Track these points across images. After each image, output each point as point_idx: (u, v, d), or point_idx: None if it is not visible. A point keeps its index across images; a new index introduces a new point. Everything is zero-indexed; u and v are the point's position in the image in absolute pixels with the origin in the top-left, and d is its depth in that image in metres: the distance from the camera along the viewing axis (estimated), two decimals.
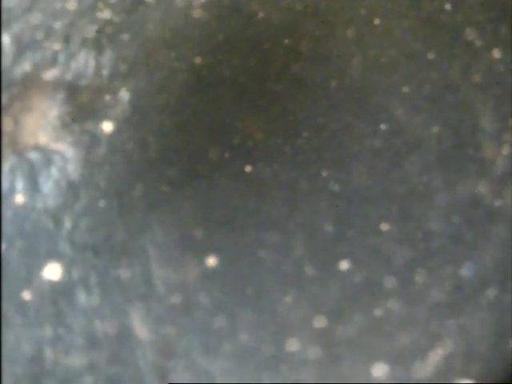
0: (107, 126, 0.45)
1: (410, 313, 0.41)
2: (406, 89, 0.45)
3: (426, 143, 0.44)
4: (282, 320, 0.41)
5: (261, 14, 0.46)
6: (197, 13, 0.47)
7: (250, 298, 0.42)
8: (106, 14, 0.47)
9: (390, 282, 0.42)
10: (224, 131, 0.45)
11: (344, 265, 0.42)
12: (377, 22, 0.46)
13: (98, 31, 0.46)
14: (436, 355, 0.41)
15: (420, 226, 0.43)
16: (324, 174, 0.44)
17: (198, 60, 0.46)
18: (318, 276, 0.42)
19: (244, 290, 0.42)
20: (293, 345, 0.41)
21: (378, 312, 0.41)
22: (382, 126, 0.44)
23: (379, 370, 0.41)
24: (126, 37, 0.46)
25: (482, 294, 0.42)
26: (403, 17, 0.46)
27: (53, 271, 0.43)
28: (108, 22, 0.47)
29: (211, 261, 0.43)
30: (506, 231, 0.42)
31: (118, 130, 0.45)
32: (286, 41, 0.46)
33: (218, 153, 0.44)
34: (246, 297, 0.42)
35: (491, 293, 0.41)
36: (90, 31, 0.47)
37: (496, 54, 0.45)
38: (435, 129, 0.44)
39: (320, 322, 0.42)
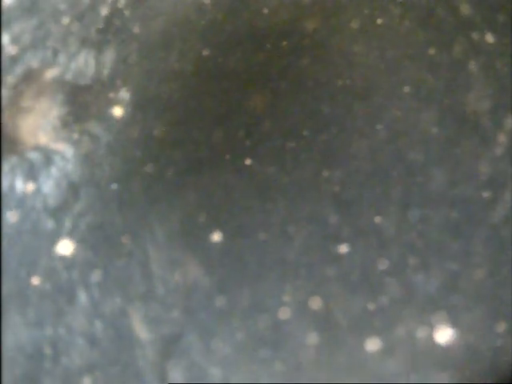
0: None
1: (404, 295, 0.41)
2: (406, 89, 0.45)
3: (426, 142, 0.44)
4: (278, 301, 0.42)
5: (265, 10, 0.46)
6: (205, 5, 0.47)
7: (249, 280, 0.42)
8: (113, 8, 0.47)
9: (383, 264, 0.42)
10: (226, 125, 0.45)
11: (343, 249, 0.42)
12: (379, 21, 0.46)
13: (105, 25, 0.46)
14: (426, 331, 0.41)
15: (417, 226, 0.43)
16: (325, 173, 0.44)
17: (205, 52, 0.46)
18: (316, 259, 0.42)
19: (243, 272, 0.42)
20: (286, 315, 0.41)
21: (371, 296, 0.41)
22: (383, 126, 0.44)
23: (372, 345, 0.41)
24: (136, 29, 0.46)
25: (473, 283, 0.42)
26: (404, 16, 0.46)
27: (65, 247, 0.43)
28: (117, 15, 0.47)
29: (216, 236, 0.43)
30: (502, 223, 0.42)
31: (119, 129, 0.45)
32: (290, 38, 0.46)
33: (220, 147, 0.44)
34: (245, 279, 0.42)
35: (482, 283, 0.42)
36: (92, 30, 0.47)
37: (489, 38, 0.45)
38: (435, 129, 0.44)
39: (315, 304, 0.42)
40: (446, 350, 0.40)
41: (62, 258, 0.43)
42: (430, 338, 0.41)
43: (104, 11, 0.47)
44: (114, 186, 0.44)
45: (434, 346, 0.41)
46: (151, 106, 0.45)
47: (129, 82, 0.46)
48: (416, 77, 0.45)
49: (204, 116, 0.45)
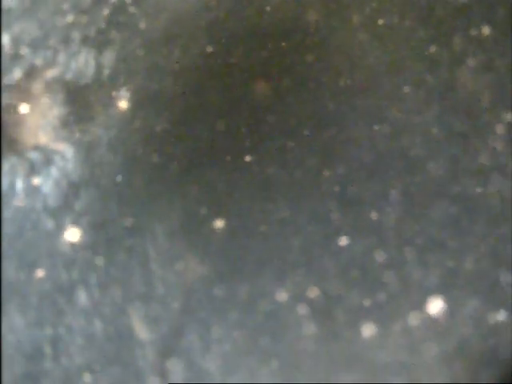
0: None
1: (400, 285, 0.42)
2: (407, 89, 0.45)
3: (427, 140, 0.44)
4: (278, 292, 0.42)
5: (268, 8, 0.46)
6: (209, 2, 0.47)
7: (249, 270, 0.42)
8: (118, 4, 0.47)
9: (380, 256, 0.42)
10: (228, 121, 0.45)
11: (343, 241, 0.43)
12: (381, 22, 0.46)
13: (109, 22, 0.46)
14: (419, 319, 0.41)
15: (418, 227, 0.43)
16: (326, 173, 0.44)
17: (209, 49, 0.46)
18: (317, 251, 0.42)
19: (244, 262, 0.42)
20: (284, 305, 0.42)
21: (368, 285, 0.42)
22: (385, 127, 0.44)
23: (368, 330, 0.41)
24: (142, 25, 0.46)
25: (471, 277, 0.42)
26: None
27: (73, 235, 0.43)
28: (122, 11, 0.47)
29: (219, 223, 0.43)
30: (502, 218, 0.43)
31: (120, 128, 0.45)
32: (292, 36, 0.46)
33: (222, 143, 0.44)
34: (245, 268, 0.42)
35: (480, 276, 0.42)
36: (94, 28, 0.47)
37: (486, 30, 0.45)
38: (435, 130, 0.44)
39: (313, 292, 0.42)
40: (440, 323, 0.41)
41: (63, 255, 0.43)
42: (424, 312, 0.41)
43: (108, 8, 0.47)
44: (119, 178, 0.44)
45: (428, 319, 0.41)
46: (153, 103, 0.45)
47: (130, 81, 0.46)
48: (416, 76, 0.45)
49: (206, 112, 0.45)
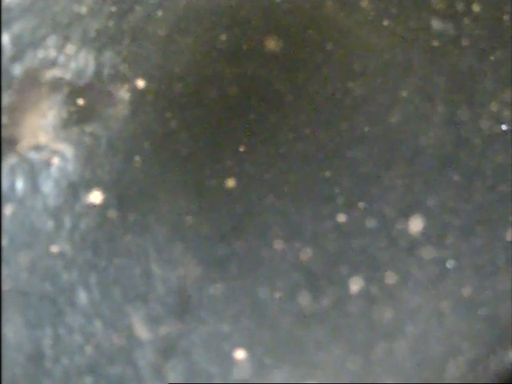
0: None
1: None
2: (404, 93, 0.45)
3: (426, 148, 0.44)
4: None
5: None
6: None
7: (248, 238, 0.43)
8: None
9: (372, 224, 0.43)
10: (239, 109, 0.45)
11: (341, 218, 0.43)
12: (385, 23, 0.46)
13: (115, 16, 0.46)
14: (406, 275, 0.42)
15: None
16: (327, 174, 0.44)
17: (223, 37, 0.46)
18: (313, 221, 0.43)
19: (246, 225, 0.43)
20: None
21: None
22: (385, 129, 0.45)
23: (356, 284, 0.42)
24: (159, 13, 0.46)
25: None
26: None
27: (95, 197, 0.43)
28: (139, 1, 0.47)
29: (230, 182, 0.43)
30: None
31: (120, 128, 0.45)
32: (304, 27, 0.46)
33: (225, 137, 0.44)
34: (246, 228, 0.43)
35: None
36: (94, 27, 0.47)
37: (476, 7, 0.46)
38: (432, 132, 0.44)
39: (305, 255, 0.42)
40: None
41: (63, 254, 0.43)
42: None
43: (116, 3, 0.47)
44: (137, 158, 0.44)
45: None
46: (154, 104, 0.45)
47: (131, 81, 0.46)
48: (418, 78, 0.45)
49: (217, 101, 0.45)
